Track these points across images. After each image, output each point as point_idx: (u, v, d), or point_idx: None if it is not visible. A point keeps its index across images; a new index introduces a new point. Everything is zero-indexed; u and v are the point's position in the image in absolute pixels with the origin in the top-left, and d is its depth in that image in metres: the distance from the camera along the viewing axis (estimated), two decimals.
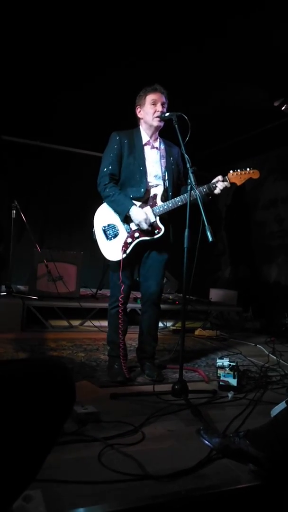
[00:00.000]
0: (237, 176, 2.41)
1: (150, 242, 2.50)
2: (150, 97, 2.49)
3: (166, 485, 1.34)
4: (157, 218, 2.45)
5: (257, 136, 4.98)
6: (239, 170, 2.40)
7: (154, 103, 2.47)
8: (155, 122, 2.48)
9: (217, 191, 2.38)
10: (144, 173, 2.49)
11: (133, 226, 2.48)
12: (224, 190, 2.40)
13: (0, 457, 0.82)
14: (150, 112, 2.48)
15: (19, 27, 3.25)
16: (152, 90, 2.49)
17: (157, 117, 2.46)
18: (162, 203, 2.44)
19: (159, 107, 2.46)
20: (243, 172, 2.40)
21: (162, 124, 2.50)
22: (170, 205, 2.41)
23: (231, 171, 2.41)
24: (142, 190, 2.47)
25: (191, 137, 2.22)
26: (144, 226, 2.41)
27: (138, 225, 2.43)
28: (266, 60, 3.53)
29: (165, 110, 2.48)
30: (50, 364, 0.97)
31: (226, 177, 2.40)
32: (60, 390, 0.92)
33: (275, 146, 5.29)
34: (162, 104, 2.48)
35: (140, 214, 2.40)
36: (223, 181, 2.39)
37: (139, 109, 2.57)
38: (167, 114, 2.43)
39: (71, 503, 1.19)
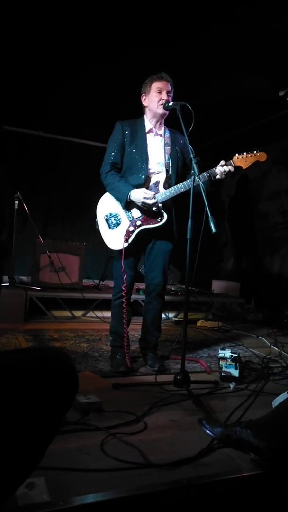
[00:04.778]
0: (242, 160, 2.36)
1: (154, 232, 2.50)
2: (155, 85, 2.47)
3: (168, 474, 1.35)
4: (160, 205, 2.44)
5: (261, 127, 4.92)
6: (245, 153, 2.35)
7: (160, 92, 2.45)
8: (160, 110, 2.46)
9: (219, 176, 2.35)
10: (145, 160, 2.48)
11: (135, 215, 2.47)
12: (227, 174, 2.35)
13: (3, 445, 0.83)
14: (155, 100, 2.46)
15: (14, 15, 3.20)
16: (158, 78, 2.47)
17: (162, 104, 2.44)
18: (165, 190, 2.43)
19: (164, 95, 2.44)
20: (249, 155, 2.35)
21: (166, 112, 2.48)
22: (173, 191, 2.40)
23: (236, 155, 2.37)
24: (143, 177, 2.46)
25: (195, 127, 2.19)
26: (149, 202, 2.38)
27: (142, 204, 2.41)
28: (270, 49, 3.47)
29: (170, 99, 2.46)
30: (52, 354, 0.98)
31: (231, 160, 2.37)
32: (63, 380, 0.93)
33: (279, 137, 5.23)
34: (168, 93, 2.46)
35: (140, 193, 2.38)
36: (226, 165, 2.36)
37: (144, 97, 2.55)
38: (170, 103, 2.41)
39: (74, 490, 1.21)
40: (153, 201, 2.40)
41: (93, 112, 4.80)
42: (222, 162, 2.37)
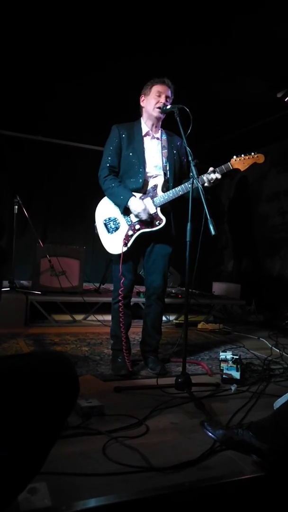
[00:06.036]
0: (240, 162, 2.36)
1: (153, 235, 2.50)
2: (156, 88, 2.49)
3: (170, 477, 1.35)
4: (158, 209, 2.45)
5: (259, 128, 4.94)
6: (242, 155, 2.35)
7: (159, 95, 2.47)
8: (155, 113, 2.48)
9: (206, 184, 2.32)
10: (143, 163, 2.49)
11: (133, 218, 2.48)
12: (215, 181, 2.32)
13: (4, 450, 0.83)
14: (152, 102, 2.48)
15: (17, 20, 3.22)
16: (160, 81, 2.49)
17: (158, 108, 2.45)
18: (163, 194, 2.44)
19: (162, 99, 2.46)
20: (247, 157, 2.35)
21: (162, 116, 2.50)
22: (171, 195, 2.40)
23: (234, 157, 2.37)
24: (141, 181, 2.47)
25: (193, 129, 2.20)
26: (143, 216, 2.40)
27: (137, 216, 2.43)
28: (267, 51, 3.49)
29: (168, 104, 2.48)
30: (53, 358, 0.98)
31: (229, 163, 2.37)
32: (64, 384, 0.93)
33: (278, 139, 5.25)
34: (166, 97, 2.48)
35: (139, 205, 2.39)
36: (214, 172, 2.33)
37: (143, 98, 2.56)
38: (168, 106, 2.43)
39: (76, 495, 1.21)
40: (149, 217, 2.41)
41: (92, 116, 4.82)
42: (211, 168, 2.35)
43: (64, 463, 1.36)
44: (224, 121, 4.95)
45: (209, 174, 2.33)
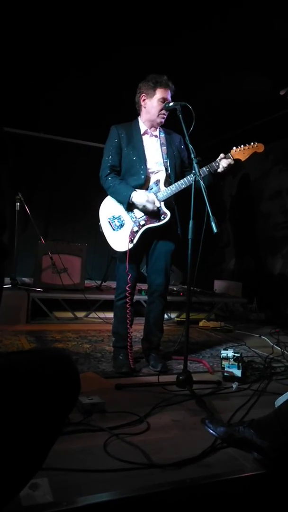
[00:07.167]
0: (240, 152, 2.37)
1: (157, 231, 2.50)
2: (160, 93, 2.46)
3: (171, 474, 1.35)
4: (162, 203, 2.45)
5: (261, 126, 4.92)
6: (242, 146, 2.36)
7: (163, 102, 2.46)
8: (159, 119, 2.50)
9: (220, 169, 2.36)
10: (143, 160, 2.49)
11: (138, 215, 2.48)
12: (228, 167, 2.36)
13: (6, 446, 0.83)
14: (157, 108, 2.47)
15: (17, 16, 3.21)
16: (164, 85, 2.46)
17: (163, 114, 2.47)
18: (166, 188, 2.44)
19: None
20: (247, 147, 2.36)
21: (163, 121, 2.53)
22: (174, 189, 2.41)
23: (234, 148, 2.38)
24: (143, 177, 2.47)
25: (196, 127, 2.20)
26: (150, 206, 2.40)
27: (143, 208, 2.42)
28: (269, 48, 3.47)
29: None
30: (54, 355, 0.98)
31: (229, 154, 2.38)
32: (65, 381, 0.93)
33: (280, 137, 5.22)
34: (168, 103, 2.47)
35: (142, 197, 2.39)
36: (225, 158, 2.36)
37: (143, 98, 2.53)
38: (171, 104, 2.42)
39: (77, 491, 1.21)
40: (155, 207, 2.41)
41: (93, 114, 4.81)
42: (222, 155, 2.38)
43: (65, 459, 1.37)
44: (226, 118, 4.93)
45: (221, 160, 2.35)
